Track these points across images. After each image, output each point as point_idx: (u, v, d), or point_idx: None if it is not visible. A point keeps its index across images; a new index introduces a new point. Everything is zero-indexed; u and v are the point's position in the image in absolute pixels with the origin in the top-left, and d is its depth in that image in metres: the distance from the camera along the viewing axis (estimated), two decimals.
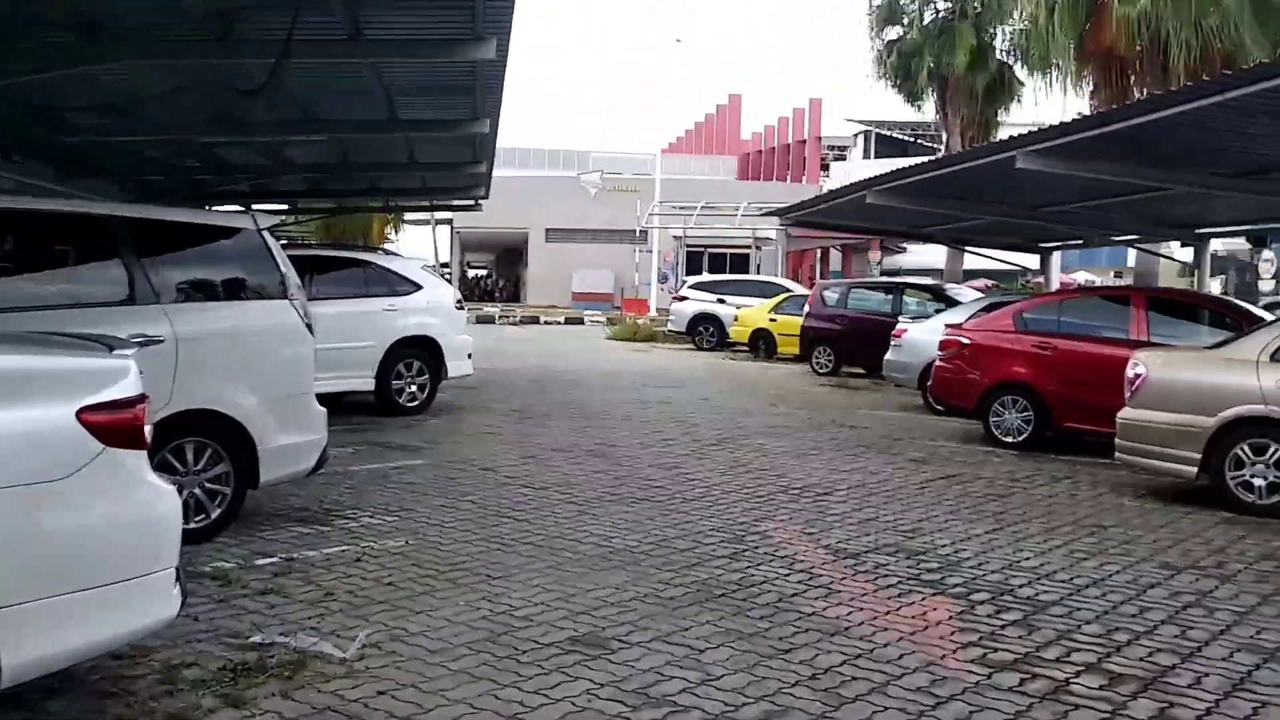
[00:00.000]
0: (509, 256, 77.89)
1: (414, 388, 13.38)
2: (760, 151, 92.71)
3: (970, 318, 14.96)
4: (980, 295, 21.68)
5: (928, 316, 18.22)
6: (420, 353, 13.44)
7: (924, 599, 6.08)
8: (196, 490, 6.73)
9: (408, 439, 11.37)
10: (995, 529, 7.89)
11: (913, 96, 27.51)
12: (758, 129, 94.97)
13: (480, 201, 21.99)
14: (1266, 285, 30.30)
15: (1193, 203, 15.14)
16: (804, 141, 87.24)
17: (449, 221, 61.73)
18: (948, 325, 13.39)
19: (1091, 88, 19.68)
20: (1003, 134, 25.25)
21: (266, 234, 7.07)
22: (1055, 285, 22.03)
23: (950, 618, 5.76)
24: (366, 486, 8.70)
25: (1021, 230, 19.56)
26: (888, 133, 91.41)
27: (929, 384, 13.41)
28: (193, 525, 6.70)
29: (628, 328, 32.55)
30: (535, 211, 57.62)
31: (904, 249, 74.59)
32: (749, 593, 6.09)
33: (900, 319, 19.35)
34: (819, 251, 65.21)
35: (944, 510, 8.50)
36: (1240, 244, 33.76)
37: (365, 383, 12.99)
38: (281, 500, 7.85)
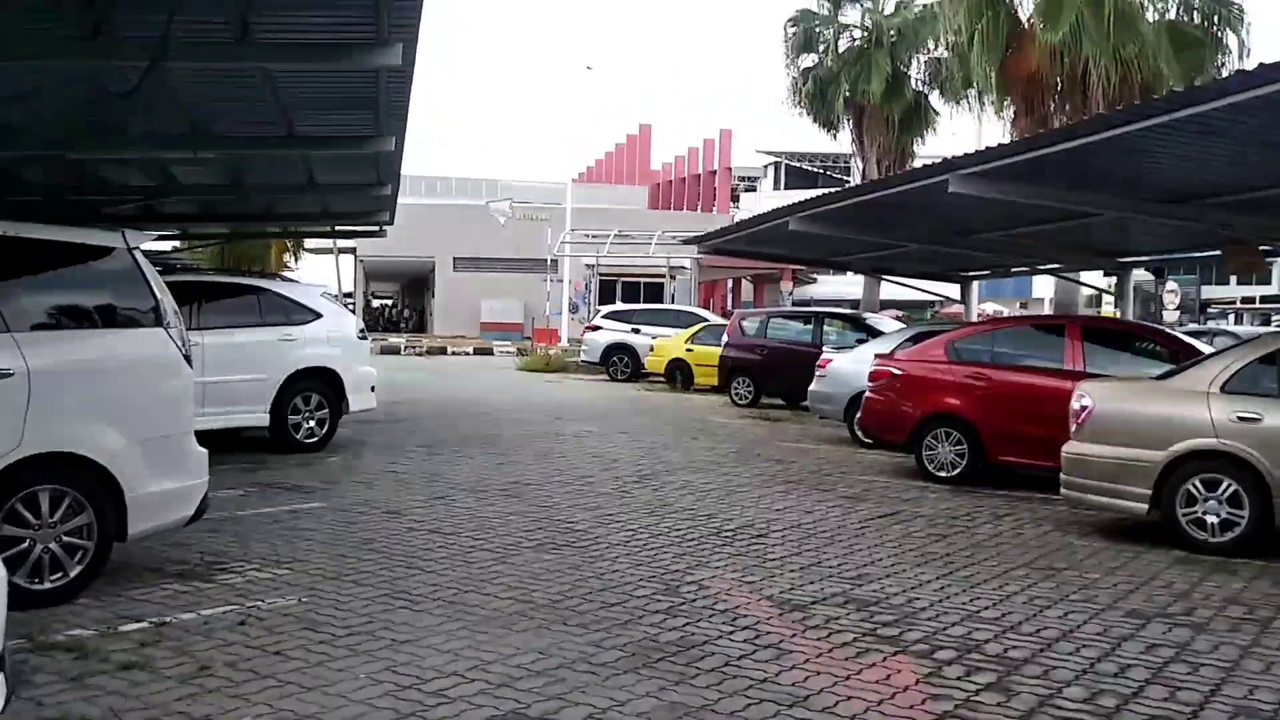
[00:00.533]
0: (415, 286, 76.56)
1: (312, 423, 12.47)
2: (670, 181, 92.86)
3: (897, 348, 14.53)
4: (902, 325, 21.43)
5: (849, 346, 17.82)
6: (319, 385, 12.55)
7: (885, 659, 5.44)
8: (53, 545, 5.83)
9: (304, 478, 10.48)
10: (945, 573, 7.31)
11: (829, 125, 27.32)
12: (668, 159, 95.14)
13: (385, 228, 21.06)
14: (1170, 316, 30.65)
15: (1115, 231, 14.95)
16: (714, 172, 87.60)
17: (353, 250, 60.39)
18: (878, 355, 12.90)
19: (1013, 115, 19.55)
20: (918, 163, 25.16)
21: (138, 254, 6.22)
22: (975, 314, 21.85)
23: (918, 681, 5.12)
24: (255, 534, 7.82)
25: (943, 259, 19.30)
26: (798, 164, 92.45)
27: (857, 416, 12.90)
28: (47, 586, 5.85)
29: (539, 359, 31.77)
30: (443, 240, 56.58)
31: (814, 279, 75.23)
32: (690, 655, 5.39)
33: (822, 349, 18.94)
34: (730, 281, 65.20)
35: (888, 553, 7.90)
36: (1144, 275, 33.92)
37: (259, 418, 12.07)
38: (156, 553, 6.95)
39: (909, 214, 14.91)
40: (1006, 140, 16.42)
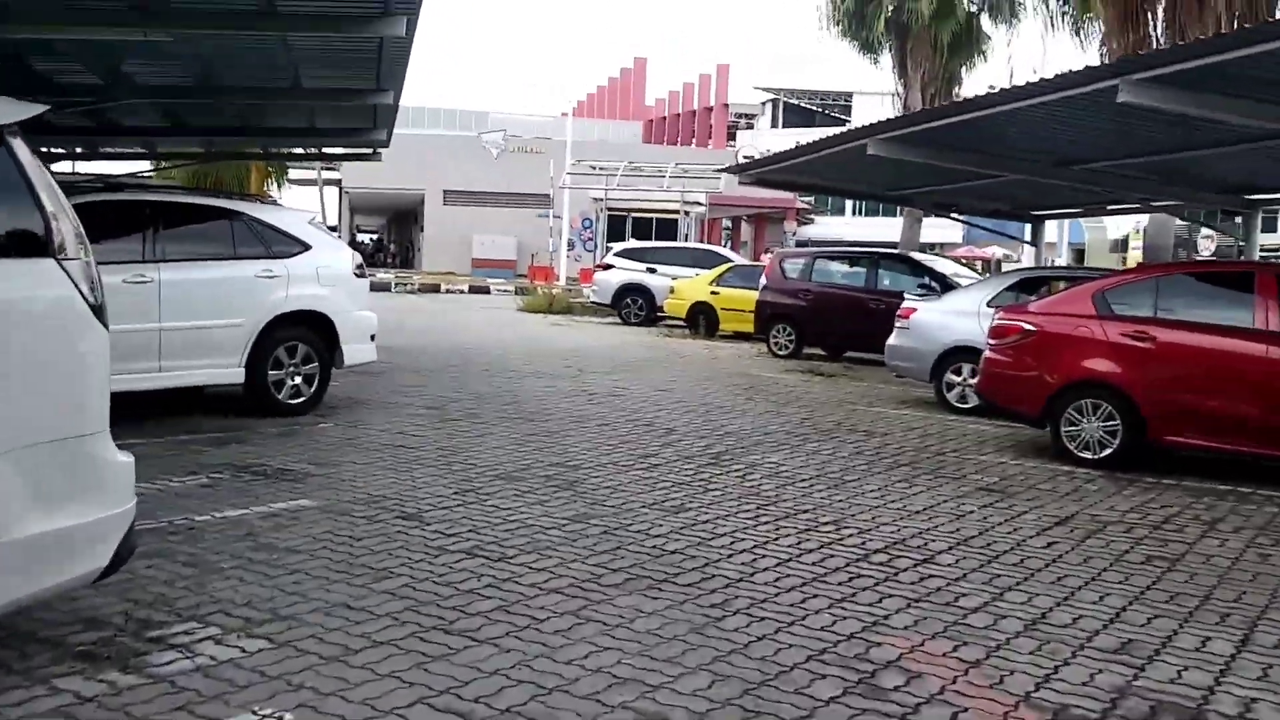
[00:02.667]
0: (402, 220, 73.75)
1: (298, 380, 10.06)
2: (665, 118, 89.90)
3: (997, 296, 12.21)
4: (961, 269, 19.08)
5: (921, 293, 15.52)
6: (307, 333, 10.12)
7: None
8: None
9: (288, 456, 8.10)
10: (1236, 631, 5.01)
11: (867, 47, 24.71)
12: (662, 95, 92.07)
13: (380, 151, 18.47)
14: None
15: (1248, 159, 12.57)
16: (710, 108, 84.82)
17: (337, 183, 57.58)
18: (1001, 308, 10.55)
19: (1101, 34, 17.07)
20: (966, 92, 22.70)
21: (13, 139, 3.73)
22: (1044, 257, 19.57)
23: None
24: (218, 560, 5.44)
25: (1022, 194, 16.88)
26: (796, 101, 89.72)
27: (977, 380, 10.54)
28: None
29: (541, 298, 29.30)
30: (433, 172, 53.86)
31: (812, 219, 72.81)
32: None
33: (878, 293, 16.64)
34: (728, 221, 62.57)
35: (1117, 592, 5.59)
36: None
37: (231, 373, 9.64)
38: (58, 606, 4.55)
39: (1007, 137, 12.47)
40: (1097, 63, 13.91)
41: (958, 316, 12.33)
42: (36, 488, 3.52)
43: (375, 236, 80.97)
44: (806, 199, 67.17)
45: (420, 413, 10.57)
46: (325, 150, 19.07)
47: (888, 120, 12.22)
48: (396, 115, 15.34)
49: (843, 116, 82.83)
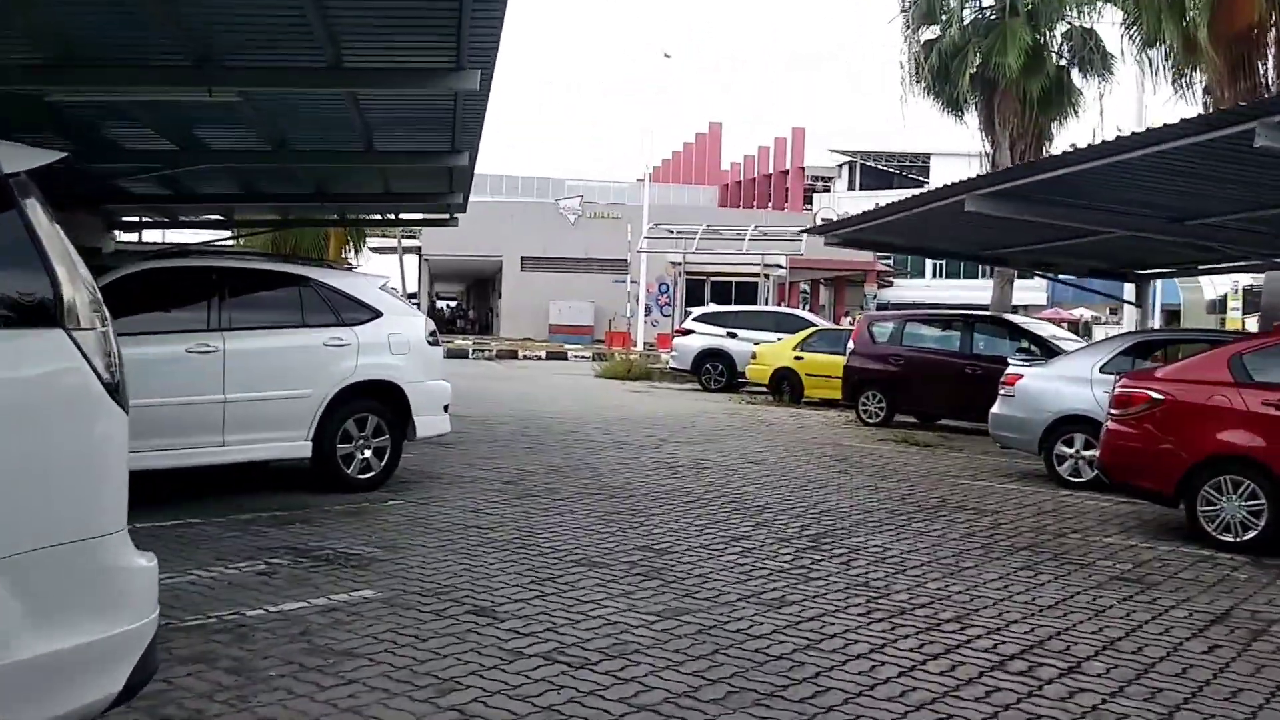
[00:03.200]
0: (480, 286, 74.11)
1: (368, 453, 9.53)
2: (740, 182, 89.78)
3: (1110, 361, 11.35)
4: (1060, 330, 18.16)
5: (1023, 358, 14.67)
6: (377, 405, 9.61)
7: None
8: None
9: (354, 539, 7.52)
10: None
11: (953, 104, 23.99)
12: (737, 159, 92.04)
13: (456, 216, 18.16)
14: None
15: None
16: (786, 171, 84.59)
17: (417, 250, 58.01)
18: (1123, 374, 9.71)
19: (1205, 82, 16.21)
20: (1055, 149, 21.86)
21: (18, 188, 3.19)
22: (1155, 319, 18.57)
23: None
24: (265, 669, 4.83)
25: (1126, 252, 15.97)
26: (873, 164, 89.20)
27: (1099, 453, 9.65)
28: None
29: (619, 364, 28.76)
30: (510, 239, 53.90)
31: (891, 282, 71.85)
32: None
33: (974, 359, 15.81)
34: (805, 285, 61.83)
35: None
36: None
37: (297, 447, 9.13)
38: None
39: (1115, 192, 11.67)
40: (1190, 116, 13.07)
41: (1068, 383, 11.48)
42: (35, 601, 2.93)
43: (454, 303, 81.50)
44: (886, 261, 66.39)
45: (495, 487, 9.97)
46: (402, 216, 18.79)
47: (987, 175, 11.51)
48: (473, 179, 15.07)
49: (920, 178, 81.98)
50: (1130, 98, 24.20)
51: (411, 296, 57.11)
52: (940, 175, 71.92)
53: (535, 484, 10.26)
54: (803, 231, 18.95)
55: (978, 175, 11.71)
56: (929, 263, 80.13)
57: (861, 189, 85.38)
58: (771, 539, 8.08)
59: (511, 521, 8.36)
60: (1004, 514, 9.65)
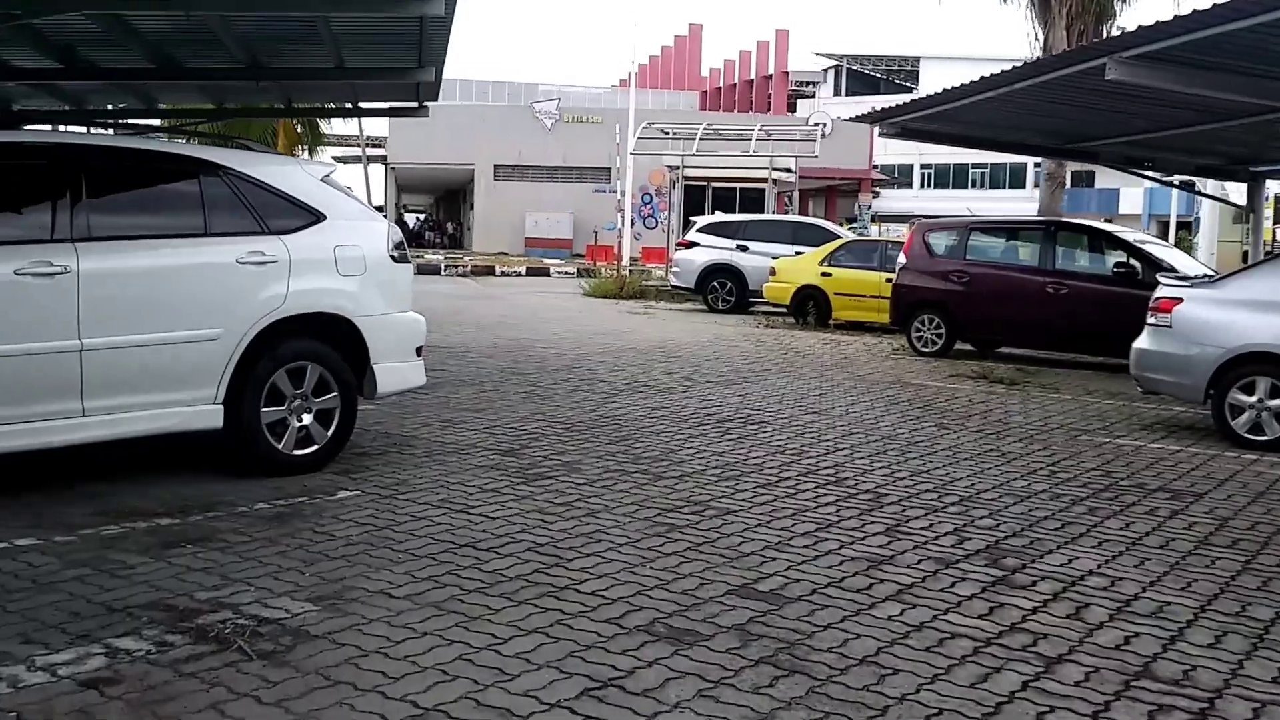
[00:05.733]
0: (450, 198, 70.47)
1: (308, 419, 6.59)
2: (720, 88, 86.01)
3: None
4: (1155, 239, 15.33)
5: (1115, 275, 12.02)
6: (320, 348, 6.66)
7: None
8: None
9: (276, 579, 4.62)
10: None
11: None
12: (716, 64, 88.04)
13: (427, 106, 14.94)
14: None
15: None
16: (769, 76, 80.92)
17: (382, 160, 54.41)
18: None
19: None
20: (1115, 32, 18.84)
21: None
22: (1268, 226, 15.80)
23: None
24: None
25: (1239, 144, 13.08)
26: (859, 68, 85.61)
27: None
28: None
29: (609, 281, 25.75)
30: (482, 146, 50.44)
31: (877, 193, 68.60)
32: None
33: (1058, 274, 13.04)
34: (794, 195, 58.59)
35: None
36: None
37: (202, 413, 6.19)
38: None
39: None
40: None
41: (1250, 310, 8.63)
42: None
43: (423, 216, 77.68)
44: (881, 169, 63.23)
45: (490, 463, 7.07)
46: (363, 104, 15.56)
47: (1142, 29, 8.51)
48: (447, 50, 12.12)
49: (909, 84, 78.51)
50: None
51: (378, 209, 53.58)
52: (931, 79, 68.52)
53: (545, 455, 7.37)
54: (855, 119, 15.77)
55: (1136, 29, 8.68)
56: (917, 171, 77.09)
57: (849, 94, 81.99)
58: (928, 560, 5.24)
59: (523, 530, 5.47)
60: (1215, 500, 6.84)
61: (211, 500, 5.85)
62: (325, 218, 6.77)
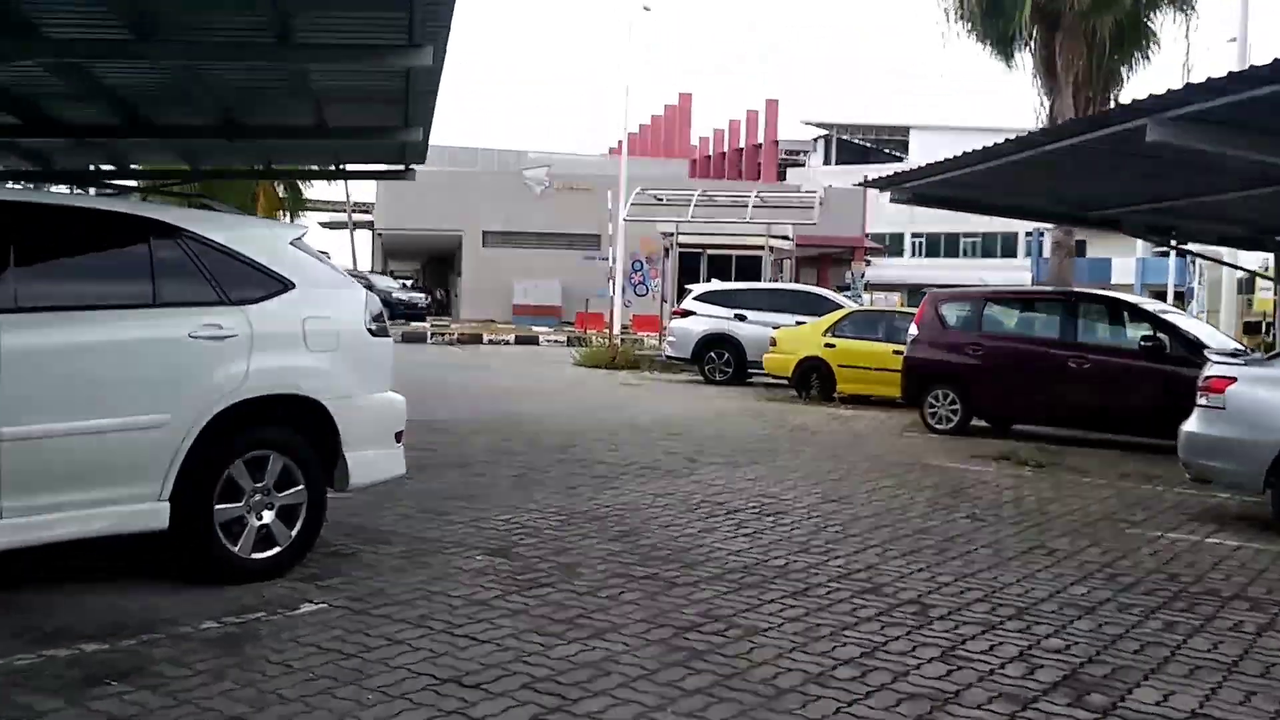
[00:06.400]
0: (438, 265, 69.82)
1: (268, 516, 5.73)
2: (709, 156, 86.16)
3: None
4: (1180, 313, 14.61)
5: (1147, 344, 11.33)
6: (285, 435, 5.82)
7: None
8: None
9: None
10: None
11: (1002, 43, 20.28)
12: (706, 133, 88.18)
13: (413, 169, 14.28)
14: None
15: None
16: (759, 145, 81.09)
17: (369, 225, 53.89)
18: None
19: None
20: (1124, 97, 18.38)
21: None
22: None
23: None
24: None
25: (1270, 213, 12.44)
26: (849, 138, 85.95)
27: None
28: None
29: (602, 351, 24.94)
30: (471, 212, 49.86)
31: (869, 261, 68.21)
32: None
33: (1080, 348, 12.33)
34: (788, 262, 58.19)
35: None
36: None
37: (143, 514, 5.33)
38: None
39: None
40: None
41: None
42: None
43: (410, 282, 77.04)
44: (877, 241, 62.93)
45: (478, 565, 6.22)
46: (347, 167, 14.87)
47: (1189, 87, 7.83)
48: (434, 109, 11.53)
49: (898, 154, 78.62)
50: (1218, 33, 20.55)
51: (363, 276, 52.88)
52: (920, 149, 68.58)
53: (540, 554, 6.50)
54: (860, 185, 15.15)
55: (1167, 91, 8.02)
56: (908, 239, 76.99)
57: (838, 163, 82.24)
58: (1001, 700, 4.37)
59: (518, 665, 4.60)
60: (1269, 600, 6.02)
61: (151, 617, 4.98)
62: (294, 286, 5.97)
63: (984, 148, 10.73)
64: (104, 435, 5.14)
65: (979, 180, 12.58)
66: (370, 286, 35.49)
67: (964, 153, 11.18)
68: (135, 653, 4.52)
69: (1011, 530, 7.89)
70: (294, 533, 5.83)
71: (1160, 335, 12.29)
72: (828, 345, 17.57)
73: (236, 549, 5.60)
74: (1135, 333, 12.70)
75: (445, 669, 4.45)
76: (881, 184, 13.75)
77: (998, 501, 9.10)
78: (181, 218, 5.80)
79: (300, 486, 5.84)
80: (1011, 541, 7.50)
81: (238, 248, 5.83)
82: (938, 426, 13.66)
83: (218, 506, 5.53)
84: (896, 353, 15.94)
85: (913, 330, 14.20)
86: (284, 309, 5.87)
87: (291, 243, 6.19)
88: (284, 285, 5.93)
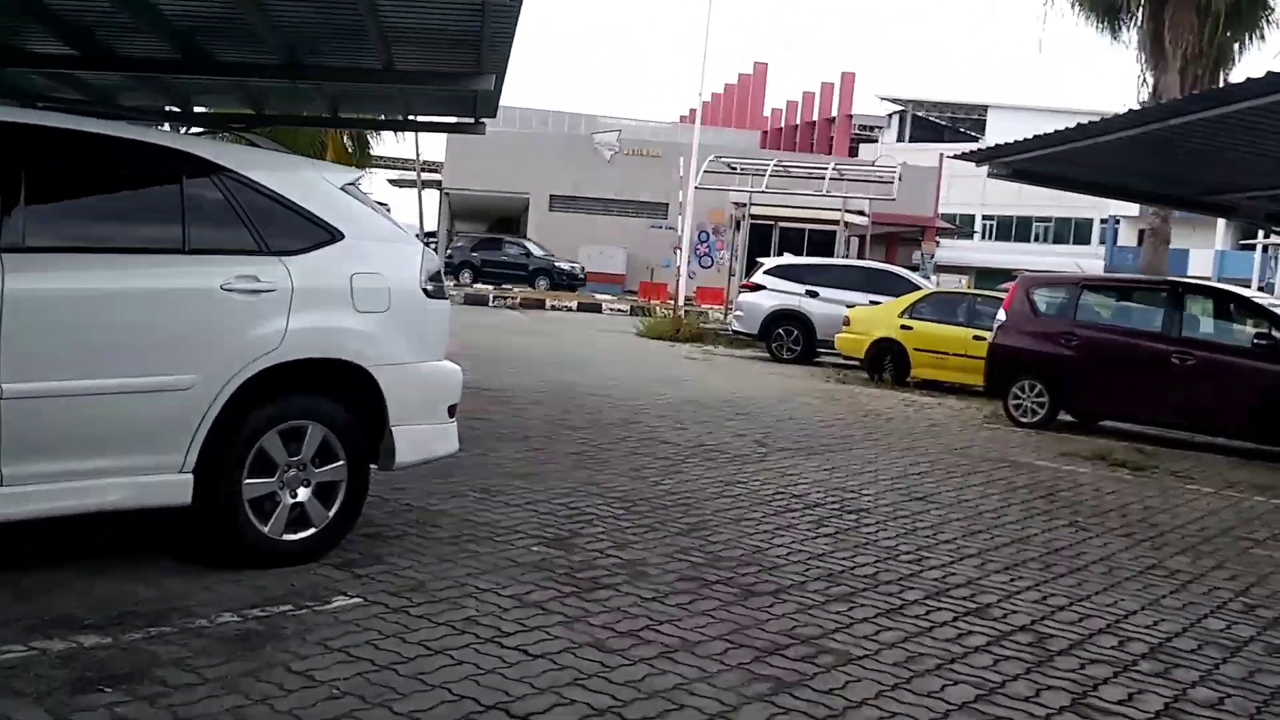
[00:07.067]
0: (503, 227, 69.42)
1: (304, 493, 5.13)
2: (781, 129, 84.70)
3: None
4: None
5: (1265, 345, 10.47)
6: (325, 405, 5.20)
7: None
8: None
9: None
10: None
11: (1109, 15, 19.17)
12: (779, 105, 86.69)
13: (484, 123, 13.63)
14: None
15: None
16: (832, 120, 79.56)
17: (437, 185, 53.42)
18: None
19: None
20: (1236, 76, 17.24)
21: None
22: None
23: None
24: None
25: None
26: (924, 115, 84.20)
27: None
28: None
29: (665, 322, 24.28)
30: (539, 175, 49.24)
31: (938, 243, 66.61)
32: None
33: (1181, 343, 11.49)
34: (855, 240, 56.96)
35: None
36: None
37: (163, 486, 4.74)
38: None
39: None
40: None
41: None
42: None
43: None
44: (948, 220, 61.36)
45: (533, 558, 5.57)
46: (417, 118, 14.25)
47: None
48: (500, 97, 11.01)
49: (974, 133, 76.79)
50: None
51: (430, 235, 52.43)
52: (997, 129, 66.71)
53: (601, 549, 5.85)
54: (957, 156, 14.22)
55: None
56: (979, 221, 75.24)
57: (911, 140, 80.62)
58: None
59: (574, 689, 3.94)
60: None
61: (164, 606, 4.39)
62: (343, 236, 5.33)
63: (1102, 119, 9.87)
64: (119, 396, 4.55)
65: (1084, 157, 11.69)
66: (528, 254, 34.71)
67: (1078, 125, 10.31)
68: (138, 650, 3.92)
69: (1121, 544, 7.11)
70: (331, 513, 5.22)
71: (1276, 333, 11.34)
72: (904, 327, 16.73)
73: (267, 529, 5.01)
74: (1246, 329, 11.76)
75: (490, 692, 3.80)
76: (982, 156, 12.87)
77: (1100, 508, 8.29)
78: (218, 153, 5.17)
79: (340, 462, 5.22)
80: (1124, 558, 6.71)
81: (281, 190, 5.20)
82: (1022, 419, 12.80)
83: (247, 481, 4.93)
84: (977, 338, 15.16)
85: (1000, 315, 13.32)
86: (330, 262, 5.24)
87: (343, 187, 5.54)
88: (332, 235, 5.30)
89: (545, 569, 5.39)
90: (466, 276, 40.07)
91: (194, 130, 12.73)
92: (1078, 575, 6.17)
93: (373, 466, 5.48)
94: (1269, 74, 7.90)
